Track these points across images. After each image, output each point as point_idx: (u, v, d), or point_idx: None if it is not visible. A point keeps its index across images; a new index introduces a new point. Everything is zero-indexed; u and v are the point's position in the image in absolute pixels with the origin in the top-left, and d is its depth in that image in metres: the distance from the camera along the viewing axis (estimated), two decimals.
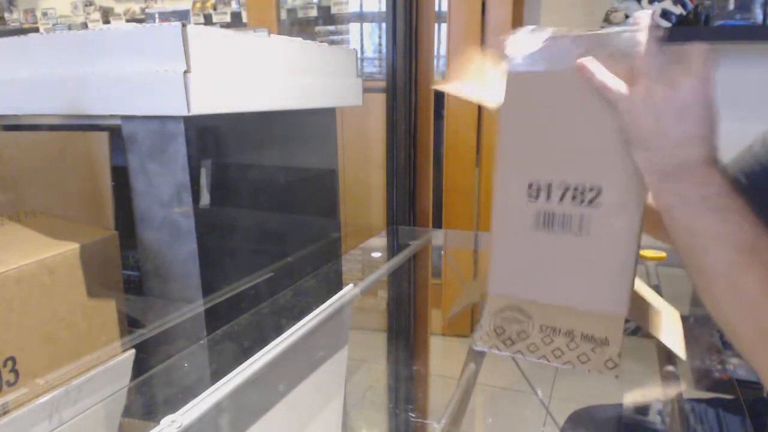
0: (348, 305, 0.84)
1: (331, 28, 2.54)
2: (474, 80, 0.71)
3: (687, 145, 0.48)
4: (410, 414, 1.12)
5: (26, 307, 0.64)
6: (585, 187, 0.56)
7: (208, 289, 0.81)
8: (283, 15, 2.44)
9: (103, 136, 0.80)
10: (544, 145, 0.58)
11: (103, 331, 0.75)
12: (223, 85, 0.78)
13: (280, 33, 2.26)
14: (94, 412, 0.59)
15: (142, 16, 3.36)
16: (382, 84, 1.44)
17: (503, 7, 1.88)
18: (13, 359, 0.62)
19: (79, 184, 0.83)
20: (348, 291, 0.84)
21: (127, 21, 3.47)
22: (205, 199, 0.81)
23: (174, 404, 0.54)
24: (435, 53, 1.87)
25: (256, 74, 0.85)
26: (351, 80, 1.15)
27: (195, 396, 0.55)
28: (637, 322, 0.63)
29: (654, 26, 0.51)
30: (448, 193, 2.11)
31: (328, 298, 0.80)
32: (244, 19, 3.00)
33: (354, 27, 2.57)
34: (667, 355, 0.71)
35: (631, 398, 0.80)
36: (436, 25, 1.83)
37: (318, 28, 2.54)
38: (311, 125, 1.10)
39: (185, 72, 0.71)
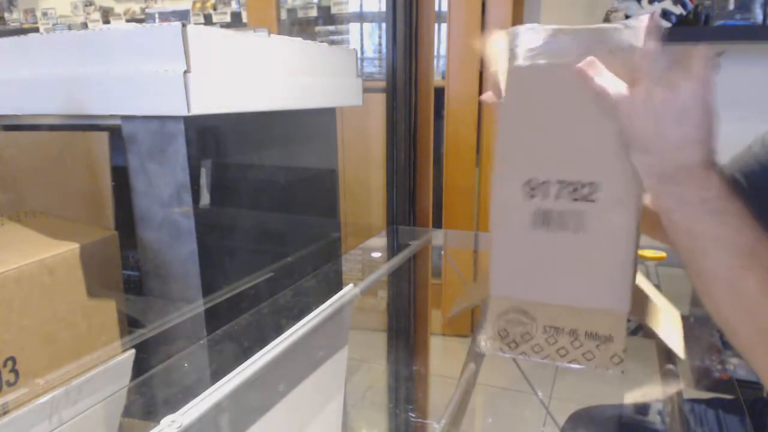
0: (348, 305, 0.84)
1: (331, 28, 2.54)
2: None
3: (686, 148, 0.48)
4: (410, 414, 1.12)
5: (26, 307, 0.64)
6: (581, 183, 0.56)
7: (208, 289, 0.81)
8: (283, 15, 2.44)
9: (103, 136, 0.80)
10: (543, 142, 0.57)
11: (103, 331, 0.75)
12: (223, 85, 0.78)
13: (280, 33, 2.26)
14: (94, 412, 0.59)
15: (142, 16, 3.37)
16: (382, 84, 1.44)
17: (503, 7, 1.89)
18: (13, 359, 0.62)
19: (79, 184, 0.83)
20: (348, 291, 0.84)
21: (127, 21, 3.47)
22: (205, 199, 0.81)
23: (174, 404, 0.54)
24: (435, 53, 1.86)
25: (256, 74, 0.85)
26: (351, 80, 1.15)
27: (195, 396, 0.55)
28: (638, 319, 0.63)
29: (655, 27, 0.51)
30: (448, 193, 2.11)
31: (328, 298, 0.80)
32: (244, 19, 3.00)
33: (354, 27, 2.57)
34: (667, 355, 0.71)
35: (631, 398, 0.80)
36: (436, 25, 1.83)
37: (318, 28, 2.54)
38: (311, 125, 1.10)
39: (185, 72, 0.71)
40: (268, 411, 0.68)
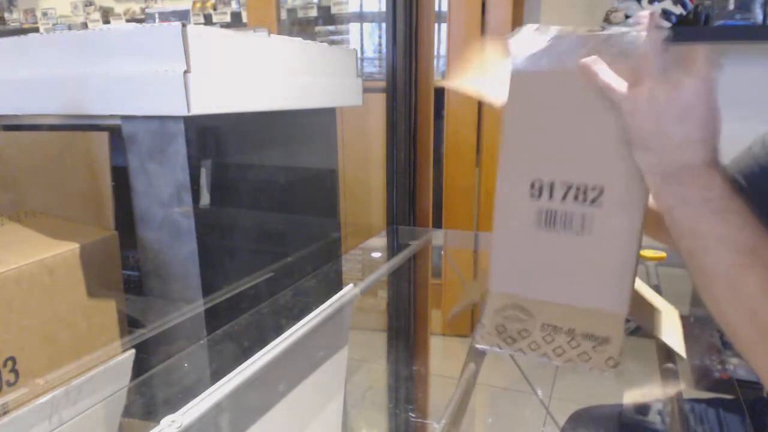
0: (348, 305, 0.84)
1: (331, 28, 2.54)
2: (477, 77, 0.71)
3: (689, 147, 0.48)
4: (410, 414, 1.12)
5: (26, 307, 0.64)
6: (587, 186, 0.56)
7: (208, 289, 0.81)
8: (283, 15, 2.44)
9: (103, 136, 0.80)
10: (548, 144, 0.58)
11: (103, 331, 0.75)
12: (223, 85, 0.78)
13: (280, 33, 2.26)
14: (94, 412, 0.59)
15: (142, 16, 3.37)
16: (382, 84, 1.44)
17: (503, 7, 1.88)
18: (13, 359, 0.62)
19: (79, 184, 0.83)
20: (348, 291, 0.84)
21: (127, 21, 3.47)
22: (205, 199, 0.81)
23: (174, 404, 0.54)
24: (435, 53, 1.86)
25: (256, 74, 0.85)
26: (351, 80, 1.15)
27: (195, 396, 0.55)
28: (638, 321, 0.63)
29: (657, 26, 0.51)
30: (448, 193, 2.11)
31: (328, 298, 0.80)
32: (244, 19, 3.00)
33: (354, 27, 2.57)
34: (666, 355, 0.71)
35: (631, 398, 0.80)
36: (436, 25, 1.83)
37: (318, 28, 2.54)
38: (311, 125, 1.10)
39: (185, 72, 0.71)
40: (268, 411, 0.68)
